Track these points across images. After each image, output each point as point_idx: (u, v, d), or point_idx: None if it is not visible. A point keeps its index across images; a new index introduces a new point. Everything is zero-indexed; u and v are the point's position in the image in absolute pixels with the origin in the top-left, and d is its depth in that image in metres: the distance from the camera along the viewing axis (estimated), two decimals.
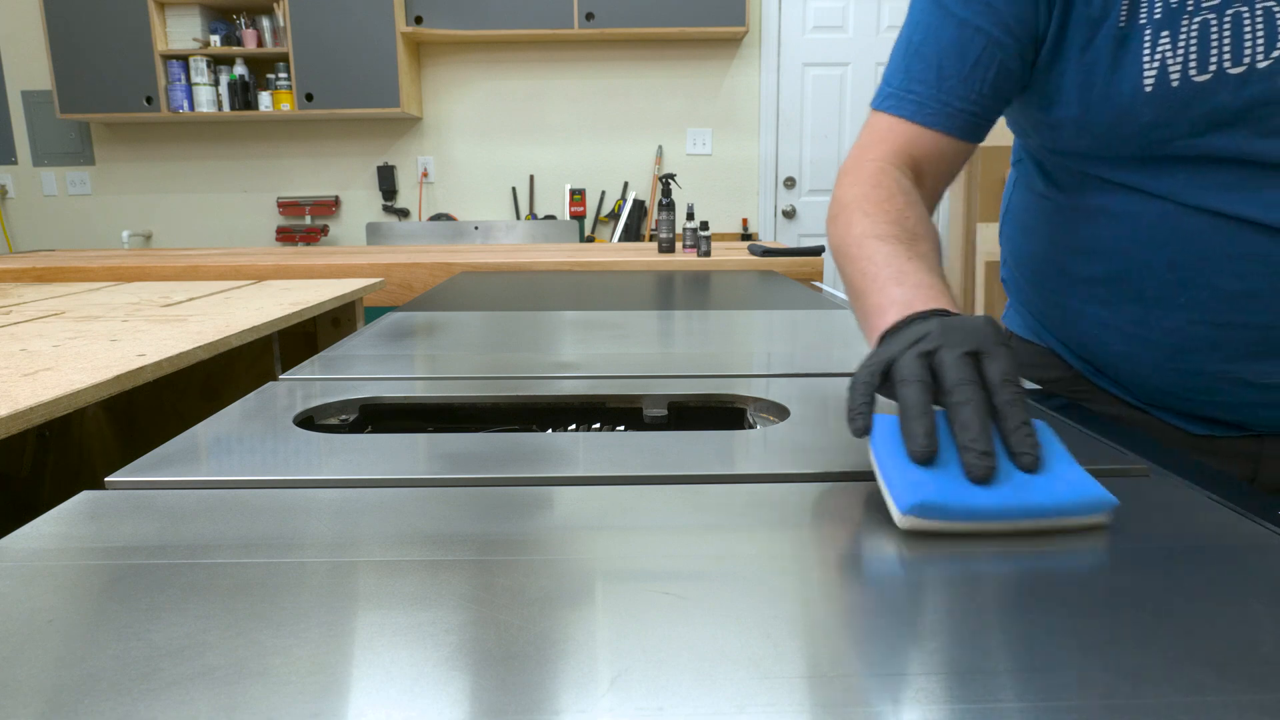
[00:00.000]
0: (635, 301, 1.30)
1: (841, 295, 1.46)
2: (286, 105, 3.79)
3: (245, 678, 0.30)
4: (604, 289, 1.49)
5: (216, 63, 3.78)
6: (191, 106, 3.77)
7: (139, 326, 1.19)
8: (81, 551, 0.41)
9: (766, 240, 3.88)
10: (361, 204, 4.16)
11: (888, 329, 0.54)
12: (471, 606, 0.35)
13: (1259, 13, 0.60)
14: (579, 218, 4.03)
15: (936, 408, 0.46)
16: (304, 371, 0.81)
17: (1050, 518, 0.43)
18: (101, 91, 3.72)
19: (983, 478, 0.42)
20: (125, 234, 4.10)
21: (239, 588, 0.37)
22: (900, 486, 0.43)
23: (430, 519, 0.45)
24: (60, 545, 0.42)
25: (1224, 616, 0.34)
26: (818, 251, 2.23)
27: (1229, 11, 0.60)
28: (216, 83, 3.79)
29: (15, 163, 4.15)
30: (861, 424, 0.47)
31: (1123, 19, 0.64)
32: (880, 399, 0.49)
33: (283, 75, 3.80)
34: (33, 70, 4.04)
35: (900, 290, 0.57)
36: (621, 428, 0.73)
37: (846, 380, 0.51)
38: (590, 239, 4.12)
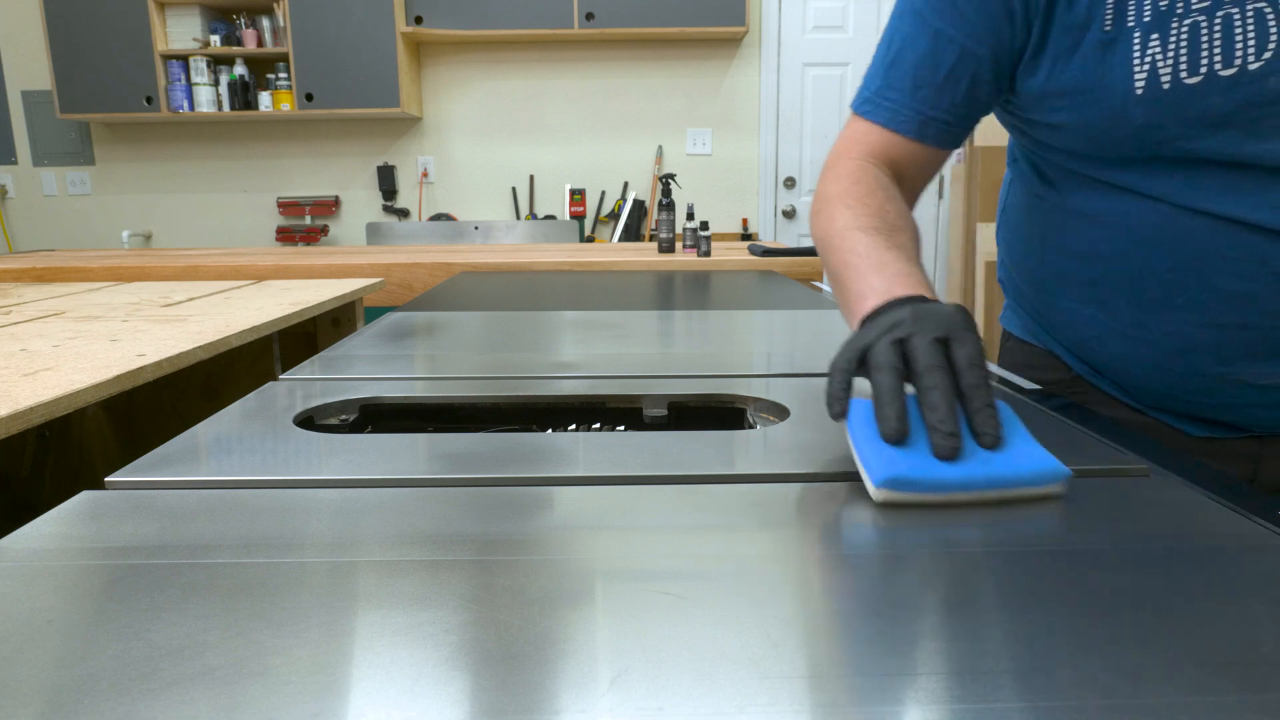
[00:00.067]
0: (635, 301, 1.30)
1: None
2: (286, 105, 3.79)
3: (245, 678, 0.30)
4: (604, 289, 1.49)
5: (216, 63, 3.78)
6: (191, 106, 3.77)
7: (139, 326, 1.19)
8: (81, 551, 0.41)
9: (766, 240, 3.88)
10: (361, 204, 4.16)
11: (867, 314, 0.57)
12: (471, 606, 0.35)
13: (1250, 14, 0.59)
14: (579, 218, 4.03)
15: (910, 389, 0.50)
16: (304, 371, 0.81)
17: (1010, 489, 0.47)
18: (101, 91, 3.72)
19: (948, 455, 0.46)
20: (125, 234, 4.10)
21: (239, 588, 0.37)
22: (874, 463, 0.47)
23: (430, 519, 0.45)
24: (60, 545, 0.42)
25: (1224, 616, 0.34)
26: (817, 252, 2.23)
27: (1219, 14, 0.60)
28: (216, 83, 3.79)
29: (15, 163, 4.15)
30: (839, 409, 0.51)
31: (1108, 24, 0.64)
32: (858, 381, 0.52)
33: (283, 75, 3.80)
34: (33, 70, 4.04)
35: (880, 278, 0.60)
36: (621, 428, 0.73)
37: None
38: (590, 239, 4.12)
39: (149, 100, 3.72)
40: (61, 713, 0.28)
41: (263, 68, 3.90)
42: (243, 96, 3.79)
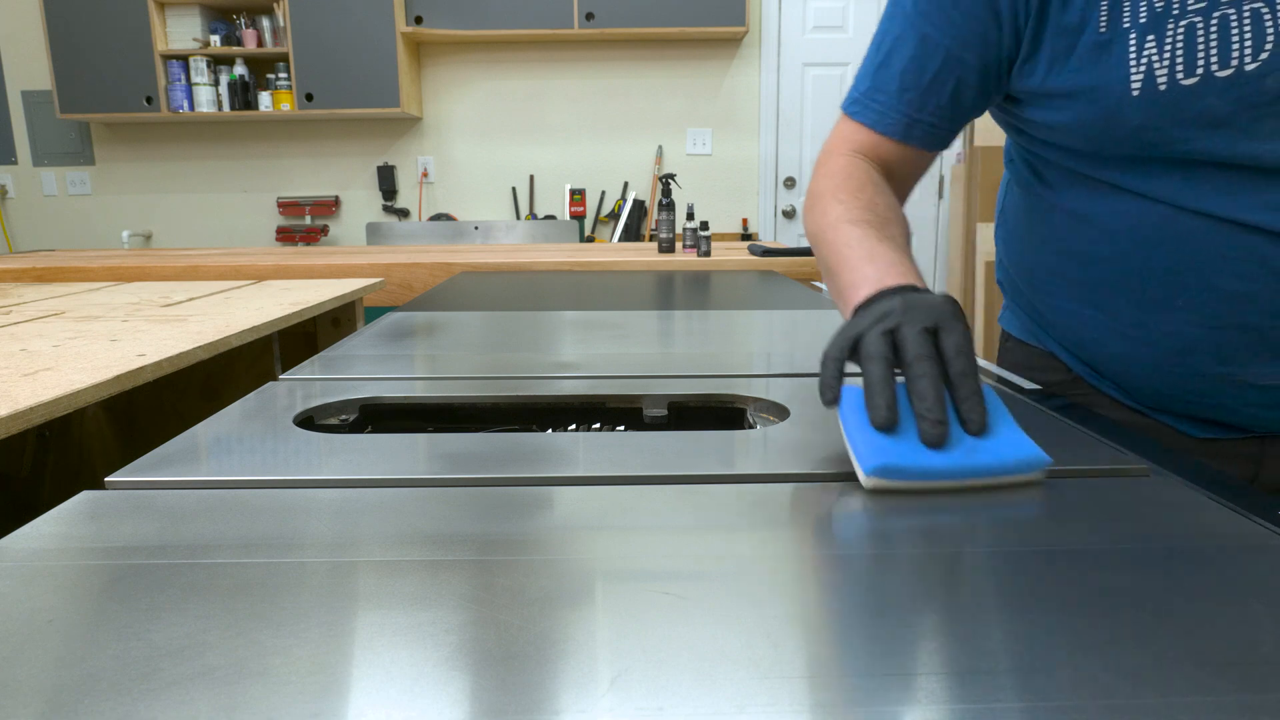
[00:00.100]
0: (635, 301, 1.30)
1: None
2: (286, 105, 3.79)
3: (245, 678, 0.30)
4: (604, 289, 1.49)
5: (216, 63, 3.78)
6: (191, 106, 3.77)
7: (139, 326, 1.19)
8: (81, 551, 0.41)
9: (766, 240, 3.88)
10: (361, 204, 4.16)
11: (860, 304, 0.58)
12: (471, 606, 0.35)
13: (1246, 14, 0.59)
14: (579, 218, 4.03)
15: (900, 377, 0.51)
16: (304, 371, 0.81)
17: (994, 475, 0.49)
18: (101, 91, 3.72)
19: (935, 442, 0.48)
20: (125, 234, 4.10)
21: (239, 588, 0.37)
22: (865, 451, 0.49)
23: (430, 519, 0.45)
24: (60, 545, 0.42)
25: (1224, 616, 0.34)
26: (810, 246, 2.23)
27: (1215, 14, 0.60)
28: (216, 83, 3.79)
29: (15, 163, 4.15)
30: (831, 397, 0.53)
31: (1103, 26, 0.64)
32: (850, 367, 0.54)
33: (283, 75, 3.80)
34: (33, 70, 4.04)
35: (872, 268, 0.62)
36: (621, 428, 0.73)
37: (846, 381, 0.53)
38: (590, 239, 4.13)
39: (149, 100, 3.72)
40: (61, 713, 0.28)
41: (263, 68, 3.90)
42: (243, 96, 3.79)
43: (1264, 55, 0.59)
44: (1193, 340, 0.69)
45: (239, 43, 3.78)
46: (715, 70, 4.01)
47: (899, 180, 0.78)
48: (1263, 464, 0.74)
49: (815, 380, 0.75)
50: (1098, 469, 0.53)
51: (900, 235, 0.69)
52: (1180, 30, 0.61)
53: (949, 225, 3.90)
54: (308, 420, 0.67)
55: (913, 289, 0.57)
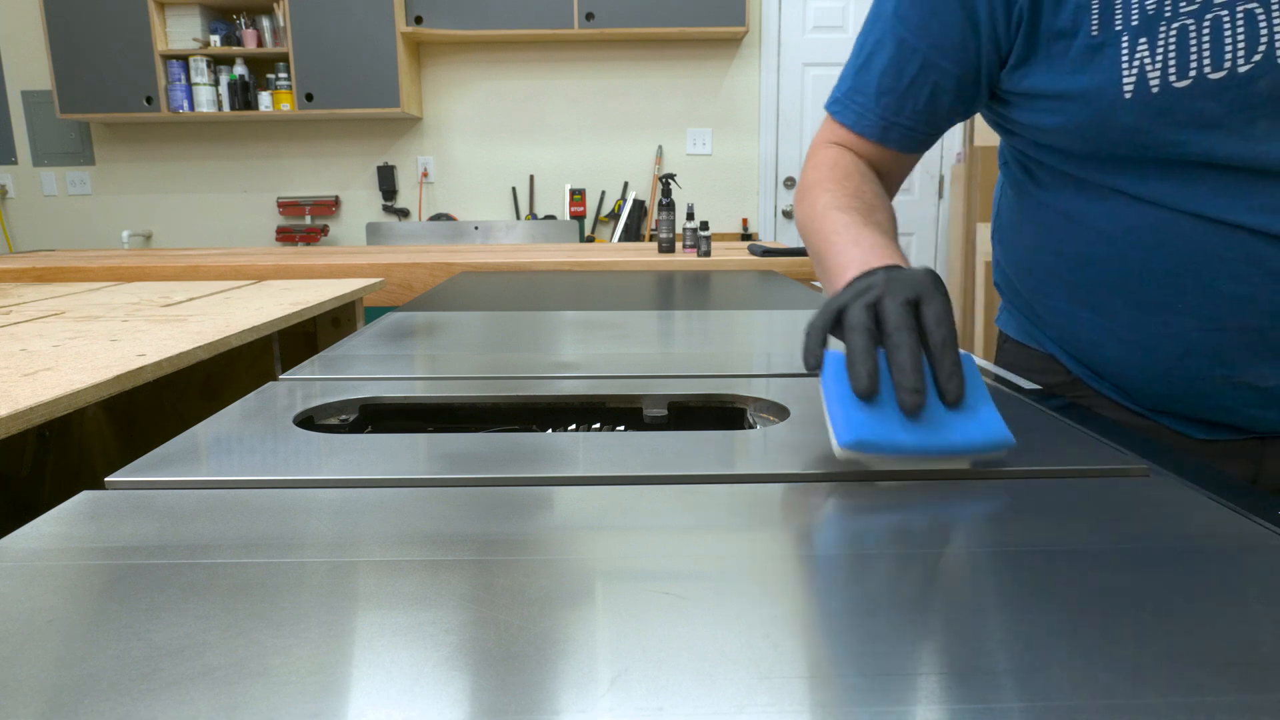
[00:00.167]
0: (635, 301, 1.30)
1: None
2: (286, 105, 3.79)
3: (245, 678, 0.30)
4: (604, 289, 1.49)
5: (216, 63, 3.78)
6: (191, 106, 3.77)
7: (139, 326, 1.19)
8: (81, 551, 0.41)
9: (766, 240, 3.88)
10: (361, 204, 4.16)
11: (847, 284, 0.59)
12: (471, 606, 0.35)
13: (1239, 15, 0.59)
14: (579, 218, 4.03)
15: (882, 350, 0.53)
16: (304, 371, 0.81)
17: (962, 454, 0.51)
18: (101, 91, 3.72)
19: (913, 411, 0.49)
20: (125, 234, 4.10)
21: (239, 588, 0.37)
22: (842, 423, 0.50)
23: (430, 519, 0.45)
24: (60, 545, 0.42)
25: (1224, 616, 0.34)
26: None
27: (1208, 16, 0.60)
28: (216, 83, 3.79)
29: (15, 163, 4.15)
30: (814, 362, 0.54)
31: (1095, 29, 0.63)
32: (833, 340, 0.55)
33: (283, 75, 3.80)
34: (33, 70, 4.05)
35: (858, 250, 0.63)
36: (621, 428, 0.73)
37: None
38: (590, 239, 4.13)
39: (149, 100, 3.72)
40: (61, 713, 0.28)
41: (263, 68, 3.90)
42: (243, 96, 3.79)
43: (1257, 57, 0.59)
44: (1191, 342, 0.69)
45: (239, 43, 3.78)
46: (715, 70, 4.01)
47: (880, 178, 0.80)
48: (1263, 464, 0.74)
49: (816, 380, 0.75)
50: (1098, 469, 0.53)
51: (886, 221, 0.70)
52: (1173, 32, 0.61)
53: (949, 225, 3.89)
54: (308, 420, 0.67)
55: (897, 268, 0.58)
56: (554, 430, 0.73)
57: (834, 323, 0.54)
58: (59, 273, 2.20)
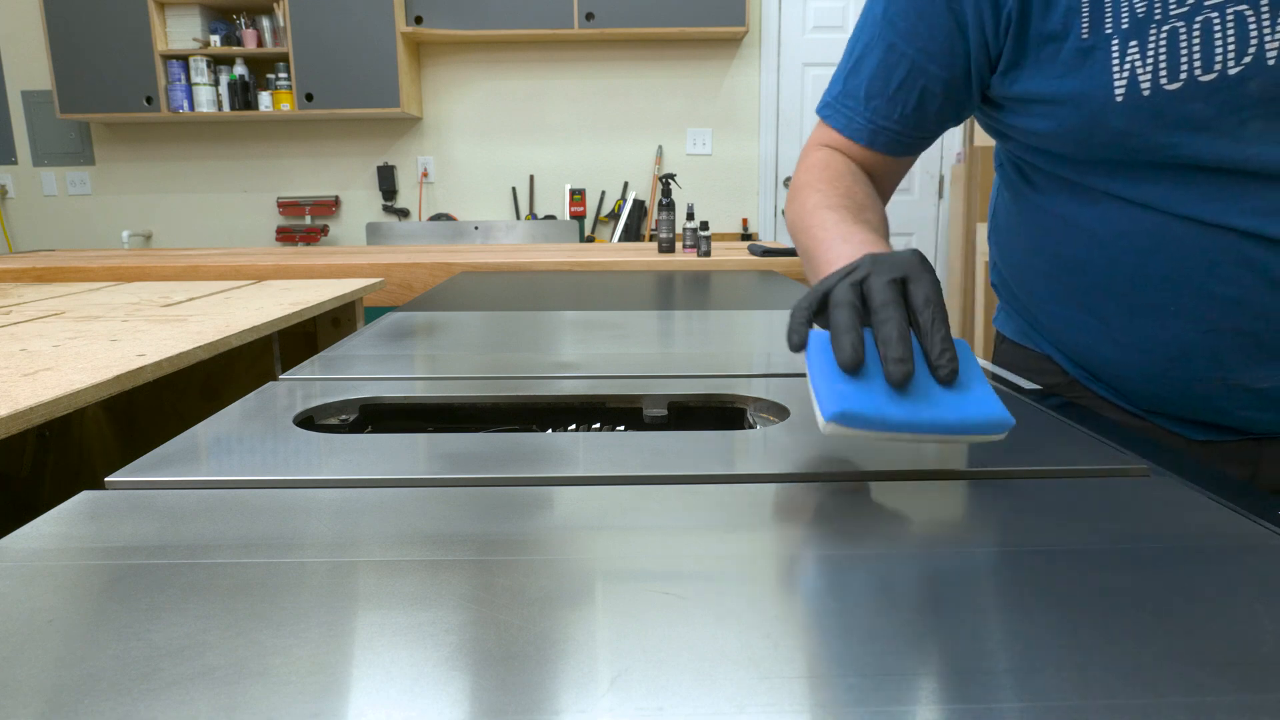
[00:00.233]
0: (635, 301, 1.30)
1: None
2: (286, 105, 3.79)
3: (245, 678, 0.30)
4: (604, 289, 1.49)
5: (216, 63, 3.78)
6: (191, 106, 3.77)
7: (139, 326, 1.19)
8: (81, 551, 0.41)
9: (766, 240, 3.88)
10: (361, 204, 4.16)
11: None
12: (471, 606, 0.35)
13: (1230, 18, 0.59)
14: (579, 218, 4.03)
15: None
16: (304, 371, 0.81)
17: (956, 433, 0.48)
18: (101, 91, 3.72)
19: (901, 382, 0.47)
20: (125, 234, 4.10)
21: (239, 588, 0.37)
22: (826, 397, 0.48)
23: (430, 519, 0.45)
24: (60, 545, 0.42)
25: (1224, 616, 0.34)
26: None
27: (1198, 18, 0.59)
28: (216, 83, 3.79)
29: (15, 163, 4.15)
30: (797, 340, 0.52)
31: (1085, 32, 0.63)
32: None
33: (283, 75, 3.80)
34: (33, 70, 4.05)
35: (848, 247, 0.63)
36: (621, 428, 0.73)
37: None
38: (590, 239, 4.13)
39: (149, 100, 3.72)
40: (61, 713, 0.28)
41: (263, 68, 3.90)
42: (243, 96, 3.80)
43: (1247, 59, 0.58)
44: (1186, 345, 0.69)
45: (239, 43, 3.78)
46: (715, 70, 4.01)
47: (874, 182, 0.80)
48: (1260, 465, 0.74)
49: None
50: (1098, 469, 0.53)
51: (877, 220, 0.70)
52: (1163, 35, 0.60)
53: (949, 225, 3.89)
54: (308, 420, 0.67)
55: (884, 254, 0.57)
56: (554, 430, 0.73)
57: (820, 305, 0.53)
58: (59, 273, 2.20)
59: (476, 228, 3.58)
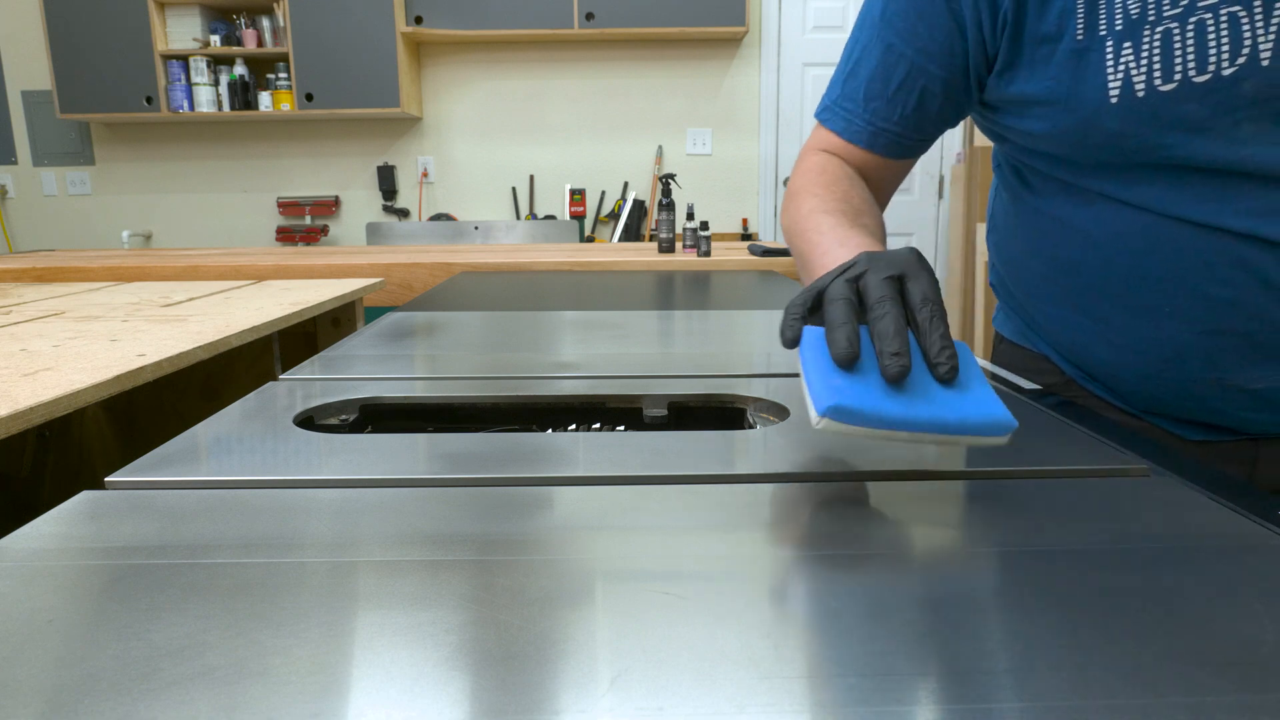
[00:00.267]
0: (635, 301, 1.30)
1: None
2: (286, 105, 3.79)
3: (245, 678, 0.30)
4: (604, 289, 1.49)
5: (216, 63, 3.79)
6: (191, 106, 3.77)
7: (139, 326, 1.19)
8: (81, 551, 0.41)
9: (766, 240, 3.88)
10: (361, 204, 4.16)
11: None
12: (471, 606, 0.35)
13: (1223, 19, 0.58)
14: (579, 218, 4.03)
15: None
16: (304, 371, 0.81)
17: (955, 434, 0.46)
18: (101, 91, 3.72)
19: (897, 377, 0.46)
20: (125, 234, 4.10)
21: (239, 588, 0.37)
22: (820, 391, 0.47)
23: (430, 519, 0.45)
24: (60, 545, 0.42)
25: (1224, 616, 0.34)
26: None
27: (1192, 20, 0.59)
28: (216, 83, 3.79)
29: (15, 163, 4.15)
30: (790, 335, 0.51)
31: (1080, 33, 0.63)
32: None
33: (283, 75, 3.80)
34: (33, 70, 4.05)
35: (844, 250, 0.62)
36: (621, 428, 0.73)
37: None
38: (590, 239, 4.13)
39: (149, 100, 3.72)
40: (61, 713, 0.28)
41: (263, 68, 3.90)
42: (243, 96, 3.80)
43: (1241, 60, 0.58)
44: (1181, 346, 0.69)
45: (239, 43, 3.78)
46: (715, 70, 4.01)
47: (873, 186, 0.79)
48: (1257, 465, 0.74)
49: None
50: (1098, 469, 0.53)
51: (874, 224, 0.69)
52: (1157, 36, 0.60)
53: (949, 225, 3.89)
54: (308, 420, 0.67)
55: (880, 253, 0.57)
56: (554, 430, 0.73)
57: (815, 302, 0.52)
58: (59, 273, 2.20)
59: (476, 228, 3.58)
